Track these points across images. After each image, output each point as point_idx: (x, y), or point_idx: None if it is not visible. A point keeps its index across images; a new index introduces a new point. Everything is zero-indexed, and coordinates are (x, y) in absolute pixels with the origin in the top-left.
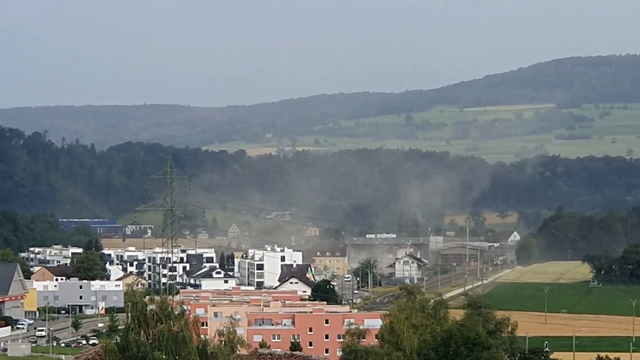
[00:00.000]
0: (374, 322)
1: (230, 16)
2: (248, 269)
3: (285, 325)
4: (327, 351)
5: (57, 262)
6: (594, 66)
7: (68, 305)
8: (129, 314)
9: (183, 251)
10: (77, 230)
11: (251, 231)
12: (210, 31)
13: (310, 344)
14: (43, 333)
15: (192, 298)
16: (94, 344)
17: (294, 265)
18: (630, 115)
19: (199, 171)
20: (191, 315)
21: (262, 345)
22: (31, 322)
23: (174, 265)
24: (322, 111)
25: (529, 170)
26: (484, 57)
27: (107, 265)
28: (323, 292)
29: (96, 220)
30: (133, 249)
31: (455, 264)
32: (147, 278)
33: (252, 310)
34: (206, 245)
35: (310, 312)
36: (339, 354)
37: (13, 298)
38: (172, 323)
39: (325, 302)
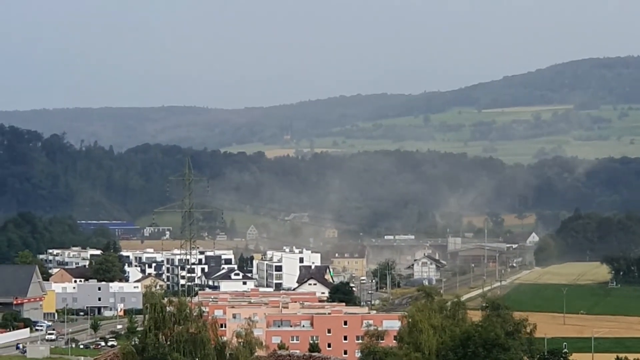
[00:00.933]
0: (392, 324)
1: (247, 18)
2: (266, 271)
3: (303, 326)
4: (345, 352)
5: (76, 264)
6: (611, 67)
7: (86, 307)
8: (147, 316)
9: (201, 253)
10: (95, 232)
11: (270, 233)
12: (228, 33)
13: (329, 346)
14: (52, 337)
15: (210, 300)
16: (112, 346)
17: (313, 267)
18: None
19: (217, 173)
20: (209, 317)
21: (281, 346)
22: (50, 323)
23: (193, 266)
24: (340, 113)
25: (547, 171)
26: (502, 58)
27: (126, 267)
28: (342, 293)
29: (114, 222)
30: (151, 250)
31: (473, 265)
32: (165, 280)
33: (271, 312)
34: (225, 246)
35: (329, 313)
36: (358, 355)
37: (32, 300)
38: (189, 324)
39: (343, 304)
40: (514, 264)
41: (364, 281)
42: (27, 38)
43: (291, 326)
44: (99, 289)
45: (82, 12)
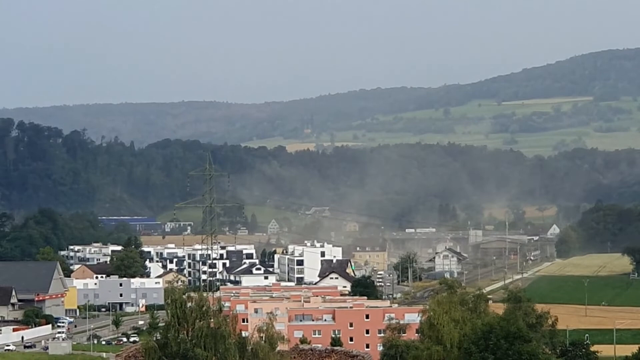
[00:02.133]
0: (414, 317)
1: (268, 14)
2: (288, 265)
3: (325, 320)
4: (367, 346)
5: (97, 260)
6: (631, 58)
7: (108, 303)
8: (169, 312)
9: (223, 248)
10: (116, 227)
11: (291, 227)
12: (247, 29)
13: (351, 339)
14: (63, 335)
15: (232, 294)
16: (134, 342)
17: (334, 261)
18: None
19: (238, 168)
20: (231, 312)
21: (303, 340)
22: (72, 320)
23: (214, 262)
24: (361, 106)
25: (567, 163)
26: (521, 50)
27: (147, 263)
28: (363, 286)
29: (135, 217)
30: (173, 246)
31: (495, 257)
32: (187, 275)
33: (293, 306)
34: (246, 241)
35: (351, 307)
36: (380, 349)
37: (53, 296)
38: (210, 319)
39: (365, 297)
40: (532, 257)
41: (381, 276)
42: (47, 35)
43: (313, 320)
44: (121, 285)
45: (101, 9)
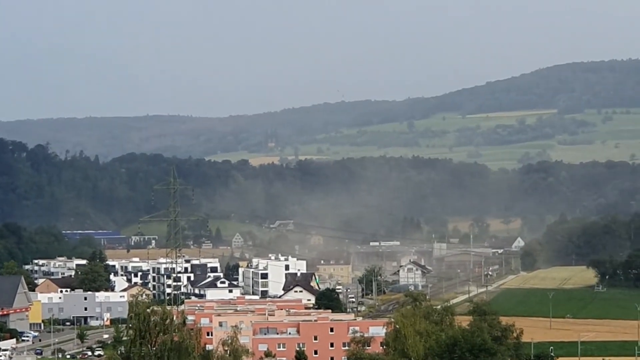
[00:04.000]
0: (378, 330)
1: (231, 26)
2: (252, 278)
3: (290, 334)
4: (332, 359)
5: (62, 274)
6: (595, 71)
7: (73, 316)
8: (132, 326)
9: (187, 261)
10: (81, 241)
11: (255, 240)
12: (212, 42)
13: (316, 353)
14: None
15: (196, 308)
16: (99, 356)
17: (298, 274)
18: (632, 119)
19: (202, 181)
20: (195, 325)
21: (268, 354)
22: (36, 334)
23: (179, 275)
24: (325, 120)
25: (532, 176)
26: (485, 63)
27: (112, 277)
28: (327, 300)
29: (100, 231)
30: (137, 259)
31: (459, 270)
32: (151, 288)
33: (257, 320)
34: (210, 255)
35: (315, 320)
36: None
37: (18, 310)
38: (174, 333)
39: (330, 310)
40: (490, 272)
41: (339, 290)
42: (11, 50)
43: (277, 333)
44: (85, 298)
45: (65, 23)
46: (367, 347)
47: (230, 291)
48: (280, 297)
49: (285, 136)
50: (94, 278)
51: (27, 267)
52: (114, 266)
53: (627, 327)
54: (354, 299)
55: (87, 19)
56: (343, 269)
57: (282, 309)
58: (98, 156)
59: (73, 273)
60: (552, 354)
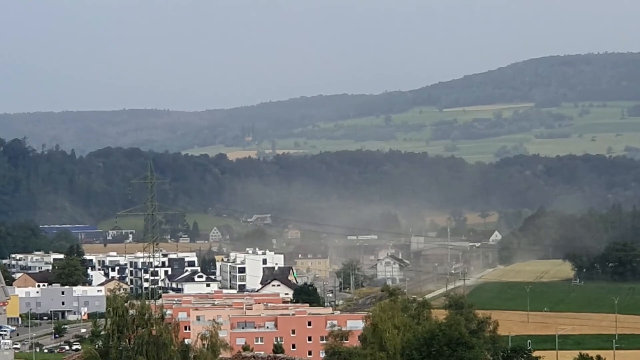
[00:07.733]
0: (356, 324)
1: (208, 20)
2: (230, 273)
3: (267, 327)
4: (310, 353)
5: (39, 268)
6: (572, 65)
7: (50, 311)
8: (109, 320)
9: (165, 255)
10: (58, 236)
11: (232, 235)
12: (189, 35)
13: (293, 346)
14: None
15: (174, 302)
16: (77, 350)
17: (276, 268)
18: (609, 113)
19: (179, 175)
20: (173, 320)
21: (245, 348)
22: (14, 328)
23: (156, 269)
24: (302, 114)
25: (509, 169)
26: (462, 57)
27: (89, 271)
28: (305, 294)
29: (77, 225)
30: (114, 254)
31: (437, 264)
32: (129, 283)
33: (235, 314)
34: (187, 249)
35: (293, 314)
36: (322, 355)
37: None
38: (152, 327)
39: (307, 304)
40: (453, 271)
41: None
42: None
43: (255, 327)
44: (63, 293)
45: (41, 19)
46: (345, 341)
47: (208, 285)
48: (257, 291)
49: (263, 130)
50: (71, 272)
51: (4, 261)
52: (91, 260)
53: (604, 320)
54: (332, 293)
55: (64, 13)
56: (321, 263)
57: (259, 303)
58: (75, 150)
59: (50, 267)
60: (529, 347)
